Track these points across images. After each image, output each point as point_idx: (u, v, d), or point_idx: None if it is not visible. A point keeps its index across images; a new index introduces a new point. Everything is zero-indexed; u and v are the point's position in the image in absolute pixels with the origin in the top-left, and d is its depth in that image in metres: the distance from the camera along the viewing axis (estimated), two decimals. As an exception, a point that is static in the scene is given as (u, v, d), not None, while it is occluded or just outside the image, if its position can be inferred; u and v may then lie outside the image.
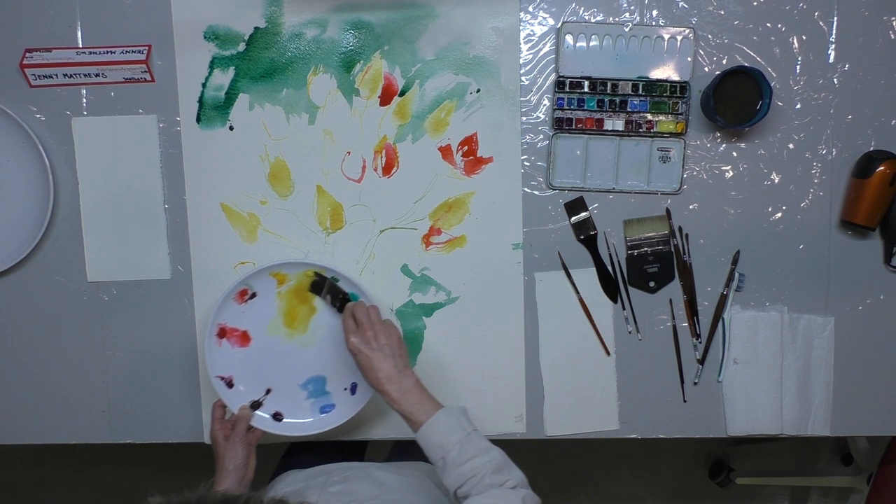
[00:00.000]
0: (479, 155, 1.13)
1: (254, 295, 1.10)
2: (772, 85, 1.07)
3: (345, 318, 1.02)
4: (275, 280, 1.10)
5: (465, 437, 0.91)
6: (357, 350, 0.98)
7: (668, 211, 1.14)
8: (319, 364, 1.12)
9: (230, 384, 1.11)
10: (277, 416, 1.11)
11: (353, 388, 1.11)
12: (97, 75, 1.12)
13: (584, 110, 1.12)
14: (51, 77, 1.12)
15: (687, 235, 1.14)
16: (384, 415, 1.16)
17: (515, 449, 0.97)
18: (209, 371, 1.09)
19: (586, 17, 1.11)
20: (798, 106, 1.12)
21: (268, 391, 1.12)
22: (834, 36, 1.11)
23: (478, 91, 1.12)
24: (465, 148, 1.13)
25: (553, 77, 1.12)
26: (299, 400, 1.12)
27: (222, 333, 1.10)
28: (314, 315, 1.12)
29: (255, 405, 1.11)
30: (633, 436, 1.17)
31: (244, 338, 1.11)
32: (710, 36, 1.11)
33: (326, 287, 1.09)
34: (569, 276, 1.15)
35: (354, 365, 1.00)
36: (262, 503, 0.65)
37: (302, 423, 1.12)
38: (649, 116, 1.12)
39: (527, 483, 0.91)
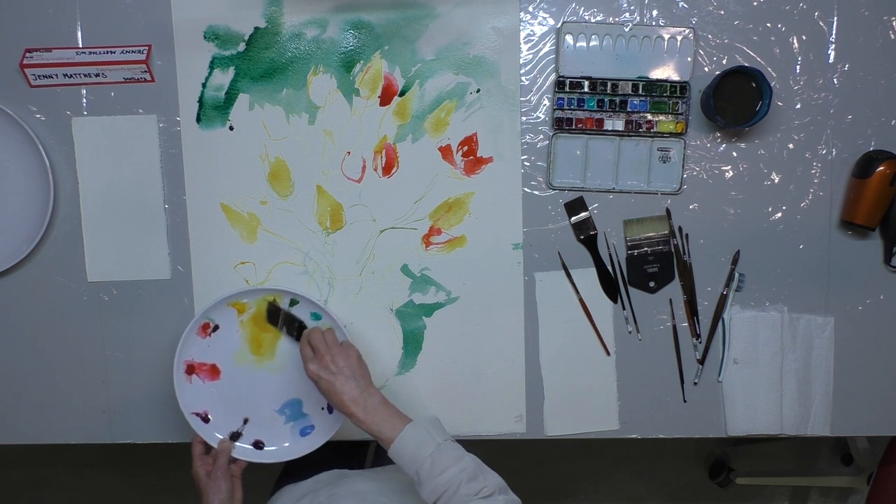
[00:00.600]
0: (479, 155, 1.13)
1: (216, 327, 1.10)
2: (772, 85, 1.07)
3: (301, 346, 1.01)
4: (234, 310, 1.10)
5: (437, 449, 0.90)
6: (317, 377, 0.97)
7: (668, 211, 1.14)
8: (292, 387, 1.11)
9: (206, 419, 1.10)
10: (258, 445, 1.11)
11: (331, 407, 1.10)
12: (97, 75, 1.12)
13: (584, 110, 1.12)
14: (51, 77, 1.12)
15: (687, 235, 1.14)
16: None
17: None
18: (182, 409, 1.08)
19: (586, 17, 1.11)
20: (798, 106, 1.12)
21: (245, 421, 1.11)
22: (834, 36, 1.11)
23: (478, 91, 1.12)
24: (465, 148, 1.13)
25: (553, 77, 1.12)
26: (278, 425, 1.11)
27: (190, 370, 1.10)
28: (279, 340, 1.11)
29: (235, 436, 1.10)
30: (633, 436, 1.17)
31: (213, 371, 1.11)
32: (710, 36, 1.11)
33: (281, 319, 1.09)
34: (569, 276, 1.15)
35: None
36: None
37: (284, 448, 1.11)
38: (649, 116, 1.12)
39: (505, 487, 0.90)
